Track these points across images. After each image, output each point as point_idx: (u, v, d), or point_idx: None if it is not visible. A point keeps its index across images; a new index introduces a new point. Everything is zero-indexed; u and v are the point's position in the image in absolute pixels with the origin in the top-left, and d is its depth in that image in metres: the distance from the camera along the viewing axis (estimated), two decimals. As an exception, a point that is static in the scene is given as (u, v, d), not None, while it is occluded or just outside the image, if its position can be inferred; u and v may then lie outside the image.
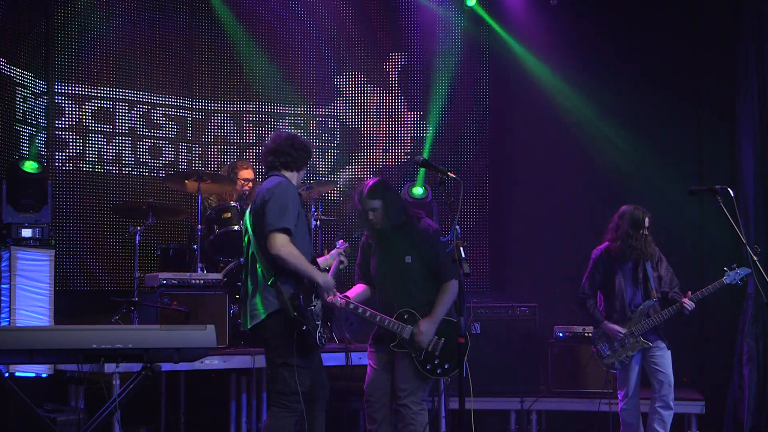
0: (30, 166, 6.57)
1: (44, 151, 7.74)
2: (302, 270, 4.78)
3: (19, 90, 7.46)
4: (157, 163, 8.34)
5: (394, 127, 8.87)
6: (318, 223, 7.41)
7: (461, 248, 4.30)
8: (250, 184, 7.54)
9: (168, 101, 8.40)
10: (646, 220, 6.22)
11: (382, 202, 5.31)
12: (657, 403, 6.23)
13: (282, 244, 4.73)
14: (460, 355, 4.24)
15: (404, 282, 5.35)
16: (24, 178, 6.55)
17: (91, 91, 8.06)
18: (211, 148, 8.62)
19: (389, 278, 5.36)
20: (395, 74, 8.89)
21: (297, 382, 4.74)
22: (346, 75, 8.90)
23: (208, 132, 8.61)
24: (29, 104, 7.62)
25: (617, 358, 6.23)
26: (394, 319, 5.33)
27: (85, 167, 8.03)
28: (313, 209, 7.41)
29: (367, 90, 8.89)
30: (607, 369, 6.37)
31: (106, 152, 8.13)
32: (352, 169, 8.78)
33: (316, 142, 8.85)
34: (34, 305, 6.30)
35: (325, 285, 4.91)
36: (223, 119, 8.66)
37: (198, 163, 8.50)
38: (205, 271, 6.90)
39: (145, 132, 8.31)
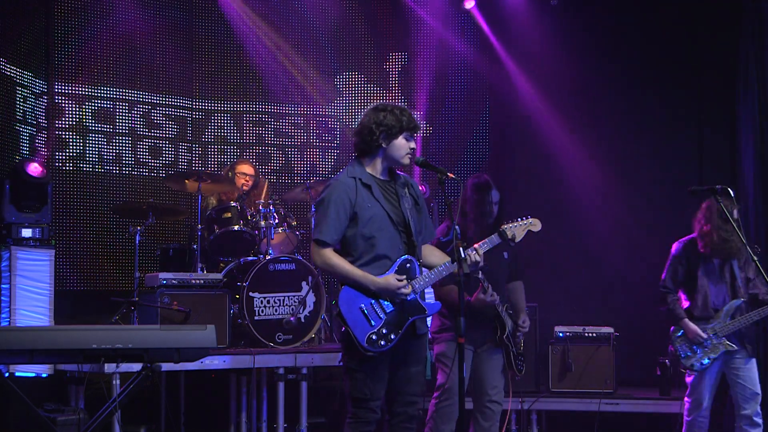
0: (34, 170, 6.56)
1: (44, 151, 7.74)
2: (344, 277, 4.38)
3: (19, 90, 7.47)
4: (157, 163, 8.34)
5: (394, 127, 8.85)
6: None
7: (461, 248, 4.28)
8: (248, 179, 7.52)
9: (168, 101, 8.40)
10: (735, 211, 5.62)
11: (500, 196, 5.55)
12: (741, 421, 5.76)
13: (314, 254, 4.42)
14: (460, 355, 4.23)
15: (500, 275, 5.48)
16: (27, 180, 6.54)
17: (91, 91, 8.07)
18: (211, 148, 8.63)
19: (491, 270, 5.27)
20: (395, 74, 8.89)
21: (351, 386, 4.40)
22: (346, 75, 8.90)
23: (208, 132, 8.61)
24: (29, 104, 7.62)
25: (696, 359, 5.76)
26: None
27: (85, 167, 8.03)
28: (313, 209, 7.40)
29: (367, 90, 8.89)
30: (685, 370, 5.89)
31: (106, 152, 8.14)
32: (352, 169, 8.77)
33: (316, 142, 8.86)
34: (34, 305, 6.31)
35: (379, 290, 4.35)
36: (223, 119, 8.67)
37: (198, 163, 8.51)
38: (205, 271, 6.91)
39: (145, 132, 8.31)
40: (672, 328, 5.92)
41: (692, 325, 5.77)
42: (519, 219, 4.84)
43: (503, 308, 5.48)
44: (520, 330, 5.58)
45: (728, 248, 5.72)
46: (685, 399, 5.92)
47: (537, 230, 4.81)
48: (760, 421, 5.73)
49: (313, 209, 7.35)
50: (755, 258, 5.01)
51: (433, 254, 4.68)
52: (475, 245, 4.59)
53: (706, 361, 5.75)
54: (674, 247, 5.98)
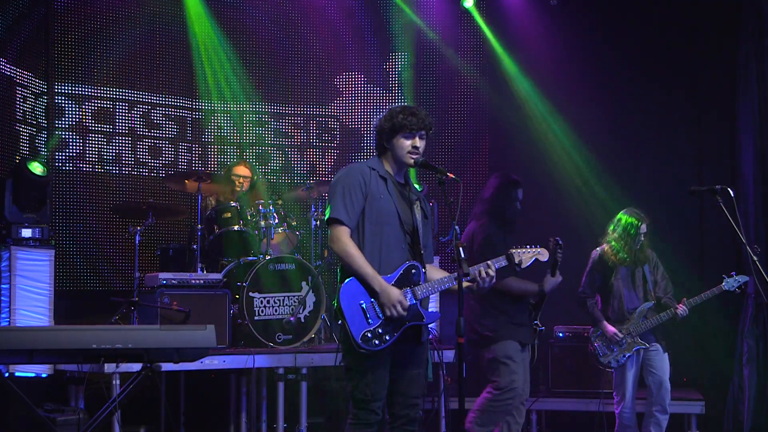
0: (36, 168, 6.55)
1: (44, 151, 7.75)
2: (355, 271, 4.31)
3: (19, 90, 7.47)
4: (157, 163, 8.34)
5: (394, 127, 8.85)
6: (318, 223, 7.41)
7: (461, 248, 4.28)
8: (242, 181, 7.52)
9: (168, 101, 8.40)
10: (643, 225, 6.31)
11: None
12: (654, 407, 6.33)
13: (333, 238, 4.37)
14: (461, 355, 4.24)
15: None
16: (28, 179, 6.52)
17: (91, 91, 8.07)
18: (211, 148, 8.63)
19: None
20: (395, 74, 8.89)
21: (352, 387, 4.37)
22: (346, 75, 8.90)
23: (208, 132, 8.61)
24: (29, 104, 7.62)
25: (613, 357, 6.30)
26: None
27: (85, 167, 8.03)
28: (313, 209, 7.42)
29: (367, 90, 8.89)
30: (603, 367, 6.43)
31: (106, 152, 8.14)
32: (352, 169, 8.77)
33: (315, 142, 8.87)
34: (34, 305, 6.30)
35: (383, 295, 4.29)
36: (223, 119, 8.66)
37: (198, 163, 8.51)
38: (205, 271, 6.91)
39: (145, 132, 8.31)
40: (591, 329, 6.44)
41: (610, 326, 6.31)
42: (528, 246, 4.86)
43: None
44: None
45: (632, 259, 6.32)
46: (614, 394, 6.41)
47: (544, 260, 4.87)
48: (668, 408, 6.34)
49: (312, 208, 7.39)
50: (755, 258, 5.02)
51: (437, 274, 4.60)
52: (488, 261, 4.59)
53: (622, 358, 6.29)
54: (592, 255, 6.51)
